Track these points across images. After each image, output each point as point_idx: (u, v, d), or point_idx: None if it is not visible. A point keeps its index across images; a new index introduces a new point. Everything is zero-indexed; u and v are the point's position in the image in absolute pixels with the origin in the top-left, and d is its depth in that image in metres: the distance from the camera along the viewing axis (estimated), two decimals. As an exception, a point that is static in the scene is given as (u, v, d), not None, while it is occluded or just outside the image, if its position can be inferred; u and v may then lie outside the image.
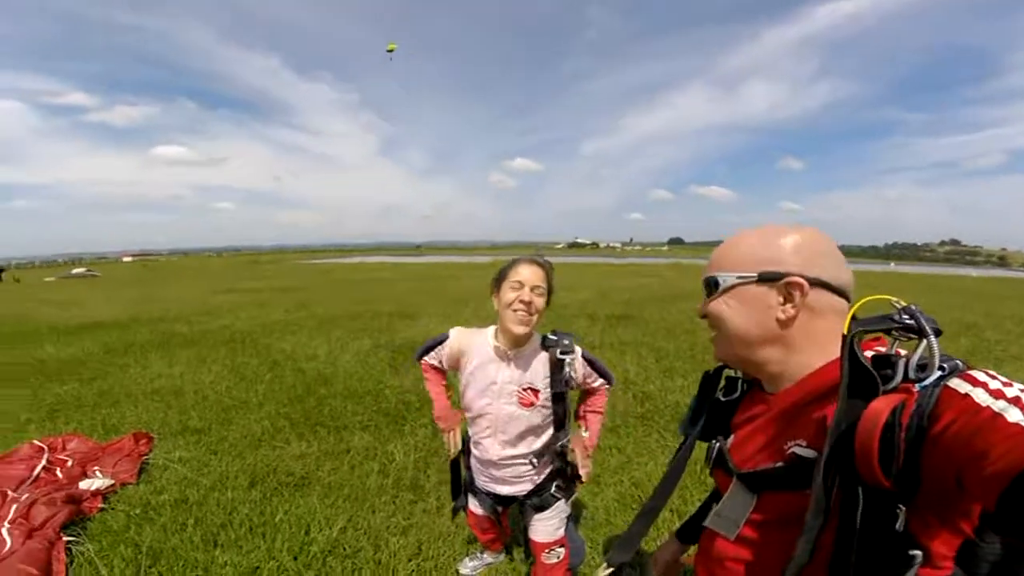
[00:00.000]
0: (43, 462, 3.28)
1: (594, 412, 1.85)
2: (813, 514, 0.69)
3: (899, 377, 0.67)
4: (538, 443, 1.76)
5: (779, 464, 0.79)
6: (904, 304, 0.71)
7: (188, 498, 2.95)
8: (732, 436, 0.94)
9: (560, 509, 1.85)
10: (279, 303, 13.60)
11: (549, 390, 1.68)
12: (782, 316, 0.80)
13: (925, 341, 0.67)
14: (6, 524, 2.40)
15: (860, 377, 0.67)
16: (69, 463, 3.35)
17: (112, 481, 3.09)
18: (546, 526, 1.84)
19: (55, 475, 3.16)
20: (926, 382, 0.64)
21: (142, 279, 29.63)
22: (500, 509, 1.95)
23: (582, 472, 1.81)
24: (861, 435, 0.64)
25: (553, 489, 1.82)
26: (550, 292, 1.65)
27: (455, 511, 2.08)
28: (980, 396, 0.58)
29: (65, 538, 2.38)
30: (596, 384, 1.80)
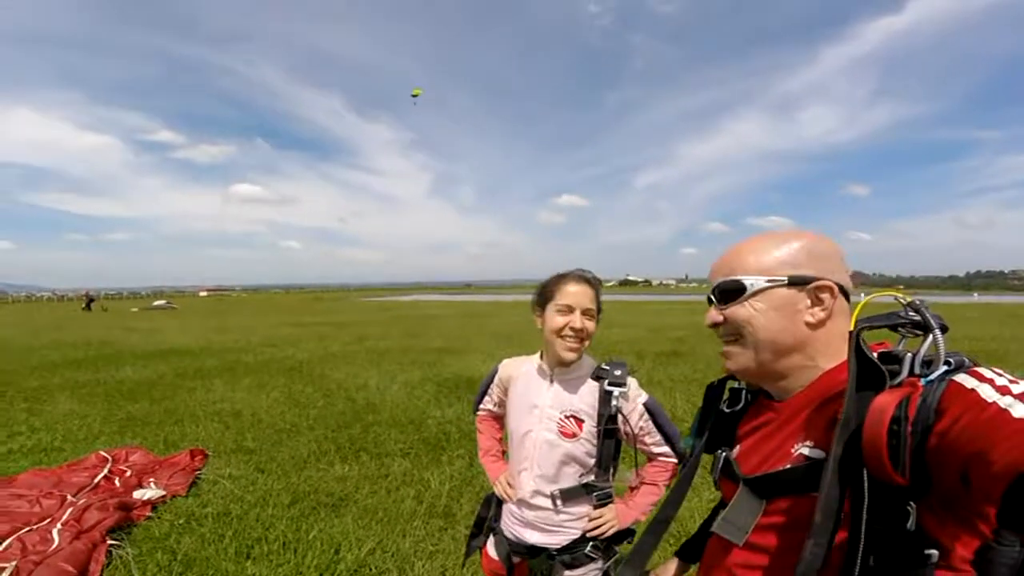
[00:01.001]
0: (104, 471, 3.50)
1: (649, 484, 1.58)
2: (823, 514, 0.67)
3: (905, 372, 0.66)
4: (571, 484, 1.55)
5: (787, 467, 0.78)
6: (909, 300, 0.71)
7: (231, 512, 3.03)
8: (737, 446, 0.92)
9: (594, 568, 1.62)
10: (338, 336, 14.16)
11: (595, 425, 1.50)
12: (812, 320, 0.78)
13: (931, 336, 0.67)
14: (58, 525, 2.57)
15: (868, 372, 0.67)
16: (128, 473, 3.54)
17: (163, 492, 3.23)
18: None
19: (114, 484, 3.35)
20: (931, 377, 0.63)
21: (215, 311, 31.72)
22: (516, 559, 1.72)
23: (588, 523, 1.57)
24: (868, 430, 0.63)
25: (589, 548, 1.57)
26: (599, 311, 1.51)
27: (469, 550, 1.88)
28: (986, 392, 0.58)
29: (109, 542, 2.50)
30: (658, 451, 1.55)
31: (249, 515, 2.99)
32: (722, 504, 1.03)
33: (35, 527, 2.57)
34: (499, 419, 1.78)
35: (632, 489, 1.61)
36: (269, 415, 5.48)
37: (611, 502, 1.58)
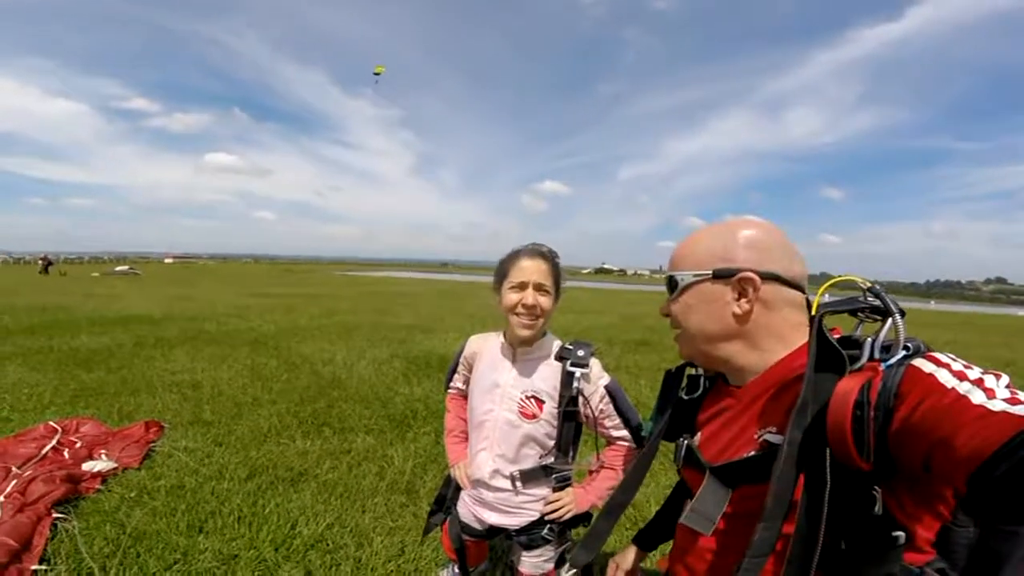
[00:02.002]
0: (53, 442, 3.36)
1: (608, 468, 1.56)
2: (774, 499, 0.68)
3: (865, 357, 0.67)
4: (530, 465, 1.55)
5: (752, 454, 0.79)
6: (869, 285, 0.72)
7: (185, 485, 2.96)
8: (699, 433, 0.93)
9: (549, 549, 1.64)
10: (307, 309, 13.87)
11: (556, 406, 1.49)
12: (738, 311, 0.81)
13: (890, 321, 0.68)
14: (0, 497, 2.45)
15: (827, 355, 0.68)
16: (78, 445, 3.41)
17: (115, 464, 3.13)
18: (533, 561, 1.64)
19: (62, 455, 3.23)
20: (891, 361, 0.64)
21: (180, 279, 30.75)
22: (467, 540, 1.74)
23: (545, 506, 1.57)
24: (833, 414, 0.64)
25: (545, 531, 1.60)
26: (558, 288, 1.48)
27: (428, 527, 1.90)
28: (944, 376, 0.59)
29: (55, 515, 2.41)
30: (617, 435, 1.53)
31: (204, 488, 2.92)
32: (684, 491, 1.07)
33: (-26, 499, 2.46)
34: (467, 398, 1.74)
35: (591, 473, 1.60)
36: (230, 387, 5.35)
37: (570, 485, 1.59)
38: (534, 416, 1.49)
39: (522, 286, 1.42)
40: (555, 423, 1.50)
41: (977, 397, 0.55)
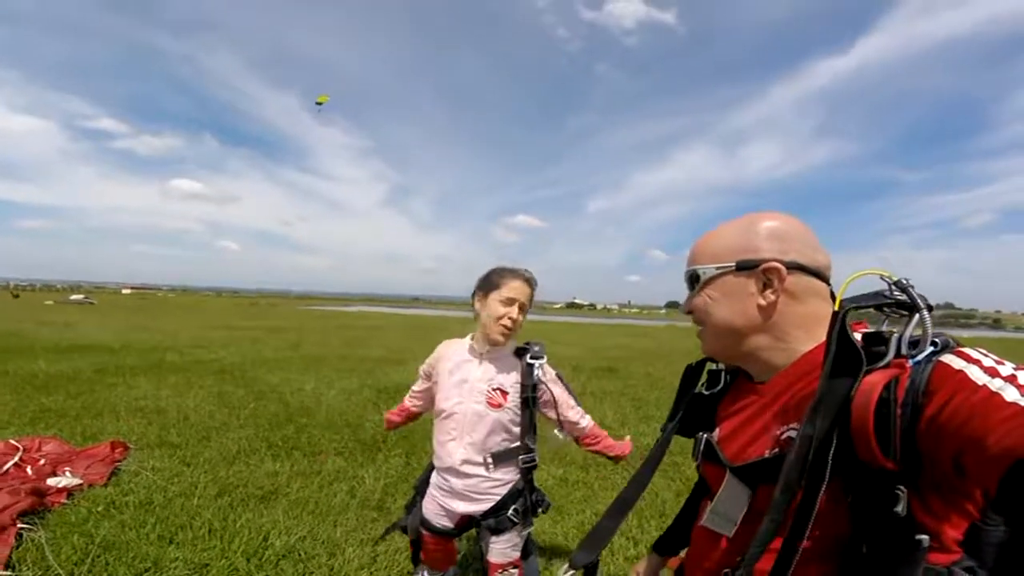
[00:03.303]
0: (15, 459, 3.31)
1: (596, 433, 1.89)
2: (781, 490, 0.67)
3: (892, 353, 0.65)
4: (500, 448, 1.75)
5: (775, 451, 0.76)
6: (896, 279, 0.69)
7: (153, 500, 2.96)
8: (718, 429, 0.90)
9: (516, 533, 1.82)
10: (272, 342, 13.69)
11: (519, 395, 1.72)
12: (763, 303, 0.78)
13: (917, 316, 0.65)
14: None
15: (846, 351, 0.65)
16: (41, 462, 3.37)
17: (80, 480, 3.11)
18: (501, 547, 1.81)
19: (25, 472, 3.18)
20: (919, 357, 0.63)
21: (138, 309, 29.73)
22: (428, 536, 1.92)
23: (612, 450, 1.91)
24: (856, 411, 0.62)
25: (511, 512, 1.77)
26: (531, 304, 1.77)
27: (391, 528, 2.19)
28: (975, 373, 0.57)
29: (20, 525, 2.41)
30: (584, 424, 1.84)
31: (173, 504, 2.93)
32: (702, 490, 1.01)
33: (-61, 511, 2.44)
34: (423, 401, 2.03)
35: (588, 440, 1.89)
36: (197, 413, 5.29)
37: (535, 464, 1.81)
38: (500, 405, 1.70)
39: (511, 302, 1.68)
40: (518, 411, 1.73)
41: (1010, 394, 0.52)
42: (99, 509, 2.77)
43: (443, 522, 1.89)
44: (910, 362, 0.63)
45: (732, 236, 0.83)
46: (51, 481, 3.01)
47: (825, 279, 0.80)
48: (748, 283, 0.80)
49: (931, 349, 0.63)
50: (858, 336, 0.69)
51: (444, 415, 1.79)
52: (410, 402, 2.07)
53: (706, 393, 0.96)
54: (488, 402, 1.72)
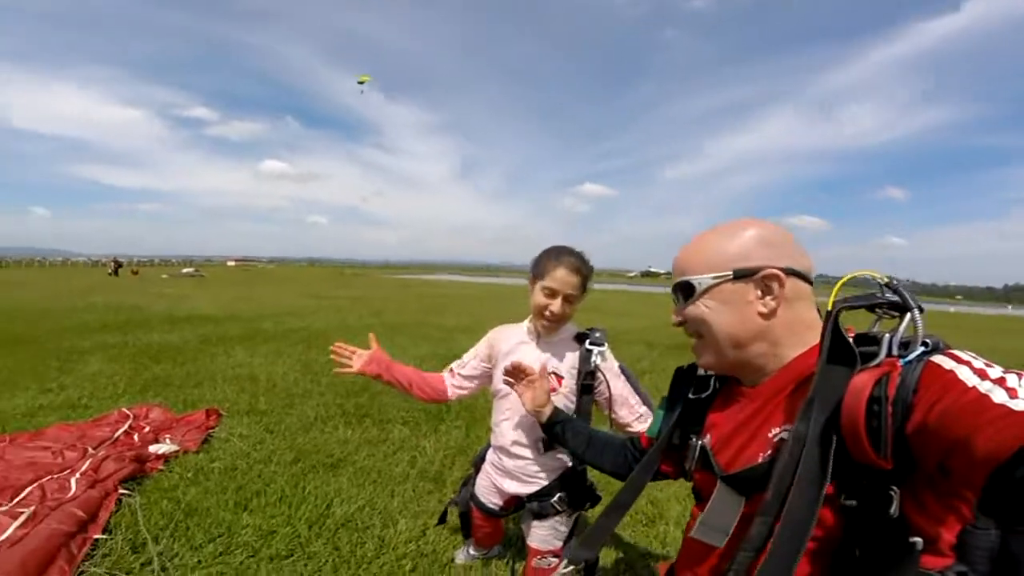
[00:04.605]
0: (125, 427, 3.75)
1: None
2: (774, 493, 0.68)
3: (883, 353, 0.66)
4: None
5: (768, 455, 0.77)
6: (887, 280, 0.70)
7: (236, 467, 3.24)
8: (710, 435, 0.91)
9: (561, 520, 1.77)
10: (355, 310, 14.52)
11: (574, 381, 1.67)
12: (764, 310, 0.79)
13: (908, 316, 0.66)
14: (76, 475, 2.80)
15: (840, 351, 0.67)
16: (146, 429, 3.78)
17: (177, 447, 3.45)
18: (543, 533, 1.78)
19: (132, 438, 3.59)
20: (910, 357, 0.63)
21: (241, 281, 32.53)
22: (477, 514, 2.00)
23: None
24: (847, 410, 0.63)
25: (555, 499, 1.74)
26: (584, 290, 1.64)
27: (444, 515, 2.28)
28: (964, 374, 0.58)
29: (120, 491, 2.71)
30: (641, 411, 1.70)
31: (252, 471, 3.19)
32: (696, 495, 1.01)
33: (56, 476, 2.80)
34: (468, 379, 1.90)
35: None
36: (284, 380, 5.72)
37: None
38: (553, 390, 1.61)
39: (553, 293, 1.59)
40: (573, 398, 1.67)
41: (998, 396, 0.53)
42: (188, 475, 3.06)
43: (492, 500, 1.93)
44: (901, 362, 0.63)
45: (722, 244, 0.83)
46: (152, 448, 3.37)
47: (810, 282, 0.82)
48: (747, 291, 0.80)
49: (922, 349, 0.64)
50: (850, 337, 0.70)
51: (500, 395, 1.78)
52: (454, 391, 1.92)
53: (692, 397, 0.97)
54: None
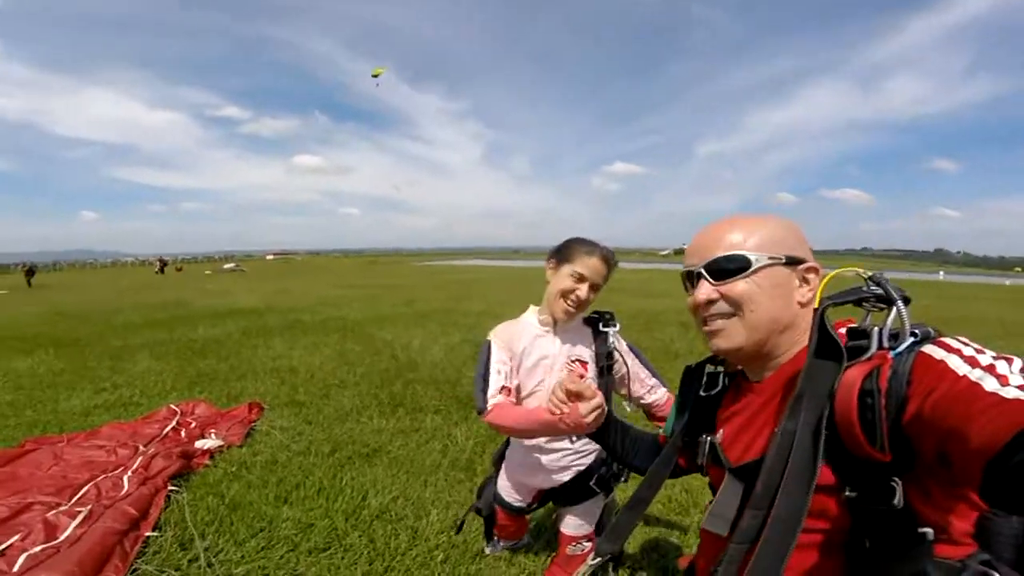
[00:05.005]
0: (173, 423, 3.93)
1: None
2: (763, 487, 0.69)
3: (874, 346, 0.67)
4: None
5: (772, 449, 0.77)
6: (870, 274, 0.71)
7: (277, 460, 3.36)
8: (721, 431, 0.91)
9: (595, 503, 1.82)
10: (388, 298, 14.80)
11: (595, 365, 1.69)
12: (801, 299, 0.81)
13: (894, 309, 0.68)
14: (128, 472, 2.95)
15: (827, 346, 0.68)
16: (192, 425, 3.96)
17: (222, 442, 3.60)
18: (576, 520, 1.82)
19: (180, 435, 3.77)
20: (900, 349, 0.64)
21: (280, 274, 33.52)
22: (500, 512, 2.02)
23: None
24: (839, 404, 0.64)
25: (594, 481, 1.77)
26: (606, 282, 1.66)
27: (466, 514, 2.27)
28: (955, 363, 0.58)
29: (170, 487, 2.84)
30: (661, 392, 1.81)
31: (292, 463, 3.30)
32: (712, 489, 1.00)
33: (110, 474, 2.96)
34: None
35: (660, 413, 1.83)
36: (321, 371, 5.89)
37: None
38: (582, 377, 1.57)
39: (581, 279, 1.59)
40: (596, 381, 1.67)
41: (989, 384, 0.53)
42: (232, 470, 3.19)
43: (517, 499, 1.94)
44: (891, 354, 0.64)
45: (772, 230, 0.82)
46: (198, 443, 3.53)
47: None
48: (792, 278, 0.81)
49: (912, 340, 0.64)
50: (843, 331, 0.72)
51: (526, 394, 1.72)
52: (508, 389, 1.65)
53: (703, 395, 0.98)
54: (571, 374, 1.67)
